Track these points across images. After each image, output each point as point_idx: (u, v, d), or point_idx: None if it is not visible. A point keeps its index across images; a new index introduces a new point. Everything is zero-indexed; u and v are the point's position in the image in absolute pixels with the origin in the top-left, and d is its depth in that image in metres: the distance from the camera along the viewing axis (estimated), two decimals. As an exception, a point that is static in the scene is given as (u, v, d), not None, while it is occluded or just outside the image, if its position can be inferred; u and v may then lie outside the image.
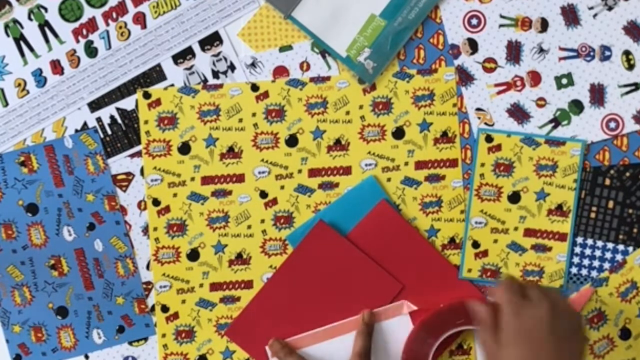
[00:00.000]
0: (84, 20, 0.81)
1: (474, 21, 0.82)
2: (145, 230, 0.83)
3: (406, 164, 0.83)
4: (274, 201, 0.83)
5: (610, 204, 0.82)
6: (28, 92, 0.82)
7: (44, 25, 0.81)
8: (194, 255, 0.83)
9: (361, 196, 0.82)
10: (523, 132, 0.82)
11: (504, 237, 0.83)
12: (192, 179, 0.83)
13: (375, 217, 0.82)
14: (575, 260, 0.83)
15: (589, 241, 0.83)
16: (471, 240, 0.82)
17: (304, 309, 0.83)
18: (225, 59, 0.82)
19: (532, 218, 0.82)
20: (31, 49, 0.82)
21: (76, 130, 0.83)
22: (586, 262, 0.83)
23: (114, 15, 0.82)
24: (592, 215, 0.82)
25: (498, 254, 0.83)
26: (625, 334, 0.82)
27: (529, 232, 0.82)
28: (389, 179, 0.83)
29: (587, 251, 0.83)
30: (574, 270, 0.83)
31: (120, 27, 0.82)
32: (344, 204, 0.82)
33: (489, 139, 0.82)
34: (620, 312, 0.82)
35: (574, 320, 0.70)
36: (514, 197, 0.82)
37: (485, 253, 0.83)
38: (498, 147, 0.82)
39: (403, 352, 0.81)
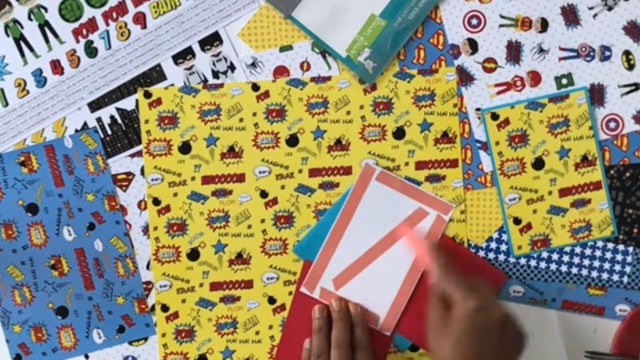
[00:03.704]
0: (84, 20, 0.81)
1: (474, 21, 0.82)
2: (145, 230, 0.83)
3: (406, 164, 0.83)
4: (274, 201, 0.83)
5: (610, 204, 0.83)
6: (28, 92, 0.82)
7: (44, 25, 0.81)
8: (194, 254, 0.83)
9: (362, 196, 0.82)
10: (524, 98, 0.82)
11: (541, 205, 0.82)
12: (193, 178, 0.82)
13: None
14: (576, 260, 0.83)
15: (589, 241, 0.83)
16: (511, 218, 0.82)
17: None
18: (225, 59, 0.82)
19: (562, 177, 0.82)
20: (31, 49, 0.82)
21: (76, 130, 0.82)
22: (586, 262, 0.83)
23: (114, 15, 0.81)
24: (592, 215, 0.83)
25: (541, 223, 0.82)
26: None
27: (563, 192, 0.82)
28: (389, 179, 0.83)
29: (587, 251, 0.83)
30: (574, 270, 0.83)
31: (120, 27, 0.82)
32: (345, 204, 0.82)
33: (494, 116, 0.82)
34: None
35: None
36: (538, 164, 0.82)
37: (528, 226, 0.82)
38: (506, 122, 0.82)
39: (614, 347, 0.79)
